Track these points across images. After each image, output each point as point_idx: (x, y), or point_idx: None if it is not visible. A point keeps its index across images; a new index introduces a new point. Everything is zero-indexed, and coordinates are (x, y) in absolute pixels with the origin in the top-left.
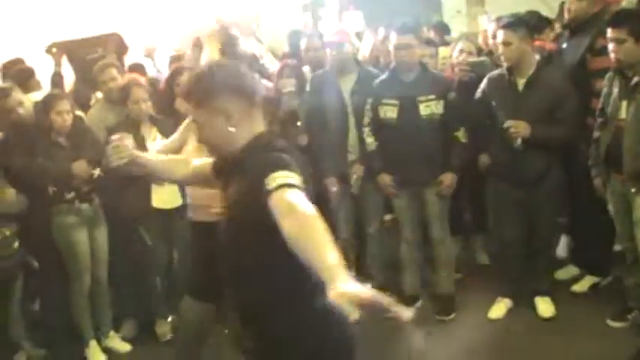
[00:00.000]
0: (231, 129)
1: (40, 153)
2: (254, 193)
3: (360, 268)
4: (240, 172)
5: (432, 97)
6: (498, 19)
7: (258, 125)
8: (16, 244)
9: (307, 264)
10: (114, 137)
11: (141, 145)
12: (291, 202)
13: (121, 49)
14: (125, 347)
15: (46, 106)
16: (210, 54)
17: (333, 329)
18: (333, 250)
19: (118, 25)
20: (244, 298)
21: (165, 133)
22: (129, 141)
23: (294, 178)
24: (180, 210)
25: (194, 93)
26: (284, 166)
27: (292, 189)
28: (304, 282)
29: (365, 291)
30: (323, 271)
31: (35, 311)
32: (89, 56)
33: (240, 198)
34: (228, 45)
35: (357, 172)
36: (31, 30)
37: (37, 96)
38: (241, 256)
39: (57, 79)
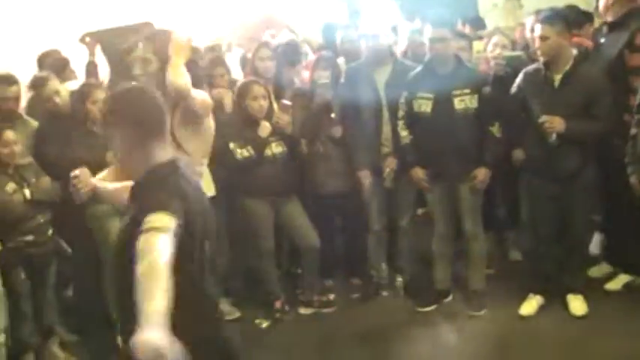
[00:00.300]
0: (126, 155)
1: (75, 142)
2: (133, 226)
3: (391, 262)
4: (133, 201)
5: (467, 91)
6: (537, 12)
7: (157, 156)
8: (50, 231)
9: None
10: (74, 172)
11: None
12: (149, 248)
13: None
14: None
15: (82, 95)
16: (175, 65)
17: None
18: (162, 303)
19: (150, 15)
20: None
21: None
22: (87, 175)
23: (164, 220)
24: (214, 200)
25: (102, 116)
26: (162, 208)
27: (159, 232)
28: None
29: (164, 350)
30: (143, 316)
31: (68, 297)
32: (122, 46)
33: (127, 225)
34: (192, 63)
35: (390, 165)
36: (65, 20)
37: (72, 85)
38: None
39: (91, 69)
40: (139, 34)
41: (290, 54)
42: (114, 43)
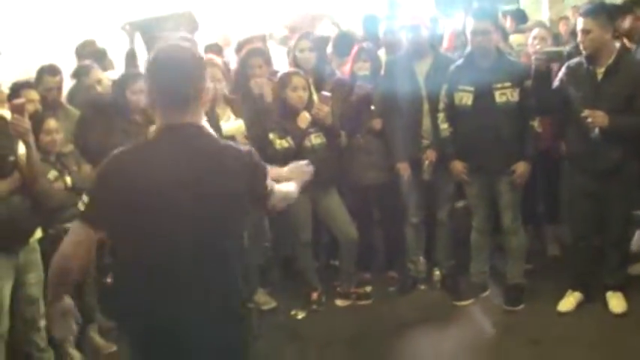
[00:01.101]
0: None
1: (116, 130)
2: None
3: (429, 255)
4: None
5: (508, 84)
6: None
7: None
8: None
9: None
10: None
11: (214, 124)
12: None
13: (192, 27)
14: None
15: (121, 85)
16: None
17: None
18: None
19: (190, 4)
20: None
21: (239, 113)
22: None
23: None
24: None
25: None
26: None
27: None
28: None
29: None
30: None
31: (108, 284)
32: (162, 34)
33: None
34: None
35: (429, 158)
36: (106, 9)
37: (113, 75)
38: None
39: (130, 57)
40: (179, 23)
41: (343, 45)
42: (154, 32)
